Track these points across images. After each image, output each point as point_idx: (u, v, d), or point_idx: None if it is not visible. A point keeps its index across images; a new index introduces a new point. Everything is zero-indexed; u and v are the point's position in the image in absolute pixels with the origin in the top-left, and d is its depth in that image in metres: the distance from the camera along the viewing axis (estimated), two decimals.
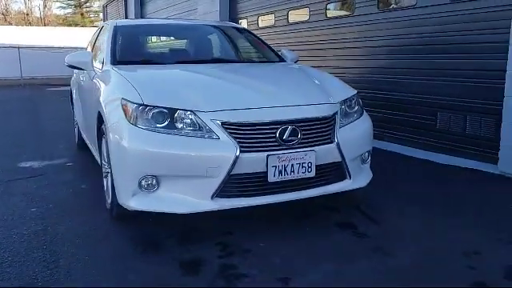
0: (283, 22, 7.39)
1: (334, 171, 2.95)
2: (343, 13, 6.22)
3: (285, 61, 4.24)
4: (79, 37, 23.87)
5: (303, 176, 2.79)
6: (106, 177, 3.37)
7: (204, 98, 2.84)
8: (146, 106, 2.77)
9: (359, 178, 3.11)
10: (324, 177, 2.90)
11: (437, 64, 4.74)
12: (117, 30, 4.07)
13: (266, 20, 8.01)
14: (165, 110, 2.75)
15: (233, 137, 2.66)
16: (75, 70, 5.52)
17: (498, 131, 4.06)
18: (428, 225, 3.05)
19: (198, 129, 2.71)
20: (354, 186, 3.06)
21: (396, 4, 5.40)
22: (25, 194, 3.88)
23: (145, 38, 4.42)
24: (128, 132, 2.76)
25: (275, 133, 2.72)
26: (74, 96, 5.35)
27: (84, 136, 4.78)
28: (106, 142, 3.07)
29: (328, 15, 6.43)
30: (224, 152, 2.63)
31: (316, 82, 3.36)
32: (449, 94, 4.62)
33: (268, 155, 2.68)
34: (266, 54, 4.34)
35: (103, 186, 3.45)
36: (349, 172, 3.00)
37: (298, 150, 2.76)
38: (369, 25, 5.63)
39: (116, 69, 3.47)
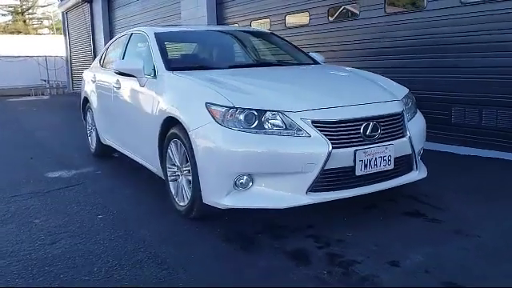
0: (281, 27, 7.60)
1: (406, 163, 3.19)
2: (349, 16, 6.49)
3: (318, 63, 4.47)
4: (28, 44, 23.20)
5: (384, 169, 3.01)
6: (175, 180, 3.45)
7: (290, 98, 3.00)
8: (237, 108, 2.90)
9: (421, 170, 3.36)
10: (399, 169, 3.13)
11: (450, 62, 5.10)
12: (160, 37, 4.13)
13: (261, 25, 8.19)
14: (255, 112, 2.89)
15: (323, 134, 2.83)
16: (88, 79, 5.54)
17: None
18: (490, 208, 3.34)
19: (287, 128, 2.86)
20: (420, 177, 3.31)
21: (404, 7, 5.72)
22: (78, 202, 3.87)
23: (187, 44, 4.49)
24: (222, 134, 2.88)
25: (360, 129, 2.92)
26: (93, 105, 5.31)
27: (115, 144, 4.79)
28: (184, 145, 3.16)
29: (330, 18, 6.70)
30: (318, 149, 2.80)
31: (374, 81, 3.59)
32: (463, 89, 4.97)
33: (355, 150, 2.88)
34: (300, 56, 4.53)
35: (169, 190, 3.53)
36: (416, 164, 3.25)
37: (380, 144, 2.97)
38: (376, 27, 5.94)
39: (181, 74, 3.56)
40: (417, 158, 3.23)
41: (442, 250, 2.71)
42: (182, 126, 3.20)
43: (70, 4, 18.13)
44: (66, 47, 20.10)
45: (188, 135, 3.09)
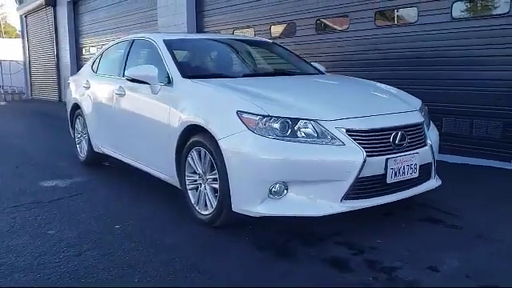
0: (266, 36, 7.67)
1: (426, 171, 3.30)
2: (339, 28, 6.65)
3: (322, 72, 4.57)
4: None
5: (411, 176, 3.11)
6: (196, 188, 3.43)
7: (321, 107, 3.06)
8: (272, 117, 2.92)
9: (437, 178, 3.49)
10: (422, 176, 3.24)
11: (441, 75, 5.33)
12: (169, 45, 4.10)
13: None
14: (289, 121, 2.92)
15: (358, 142, 2.90)
16: (78, 85, 5.41)
17: (508, 132, 4.70)
18: (501, 215, 3.51)
19: (320, 136, 2.91)
20: (437, 185, 3.44)
21: (395, 20, 5.93)
22: (87, 212, 3.76)
23: (196, 51, 4.46)
24: (257, 142, 2.89)
25: (390, 138, 3.01)
26: (86, 112, 5.16)
27: (113, 152, 4.69)
28: (210, 153, 3.14)
29: (318, 30, 6.84)
30: (353, 157, 2.86)
31: (389, 91, 3.71)
32: (453, 101, 5.21)
33: (387, 158, 2.96)
34: (305, 65, 4.62)
35: (188, 199, 3.51)
36: (434, 172, 3.38)
37: (407, 153, 3.07)
38: (365, 40, 6.12)
39: (201, 82, 3.55)
40: (435, 165, 3.35)
41: (471, 254, 2.83)
42: (208, 134, 3.18)
43: (30, 7, 17.54)
44: (25, 52, 19.39)
45: (217, 143, 3.08)
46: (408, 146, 3.10)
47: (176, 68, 3.81)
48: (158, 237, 3.19)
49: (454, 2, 5.18)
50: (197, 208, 3.42)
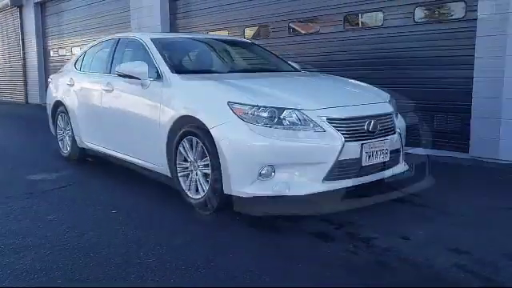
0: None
1: (396, 156, 3.69)
2: (310, 30, 7.03)
3: (298, 70, 4.94)
4: None
5: (382, 160, 3.49)
6: (187, 175, 3.70)
7: (304, 99, 3.39)
8: (260, 106, 3.24)
9: (404, 163, 3.89)
10: (392, 161, 3.62)
11: (404, 74, 5.79)
12: (157, 43, 4.35)
13: None
14: (275, 110, 3.25)
15: (337, 129, 3.25)
16: (61, 83, 5.58)
17: (465, 126, 5.18)
18: (462, 196, 3.93)
19: (303, 124, 3.24)
20: (405, 169, 3.83)
21: (362, 24, 6.36)
22: (81, 200, 3.96)
23: (182, 49, 4.72)
24: (247, 130, 3.20)
25: (364, 125, 3.38)
26: (70, 109, 5.34)
27: (100, 146, 4.89)
28: (202, 141, 3.43)
29: (292, 32, 7.21)
30: (333, 142, 3.21)
31: (362, 85, 4.10)
32: (417, 97, 5.66)
33: (362, 144, 3.32)
34: (282, 63, 4.97)
35: (179, 185, 3.77)
36: (402, 157, 3.78)
37: (379, 139, 3.45)
38: (335, 41, 6.53)
39: (191, 77, 3.83)
40: (403, 151, 3.75)
41: (437, 226, 3.22)
42: (199, 124, 3.46)
43: None
44: None
45: (209, 132, 3.36)
46: (380, 133, 3.47)
47: (165, 64, 4.07)
48: (151, 219, 3.43)
49: (416, 7, 5.64)
50: (188, 193, 3.69)
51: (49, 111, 6.07)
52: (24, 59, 15.72)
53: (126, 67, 4.07)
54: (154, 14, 9.59)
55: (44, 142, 6.94)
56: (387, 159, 3.53)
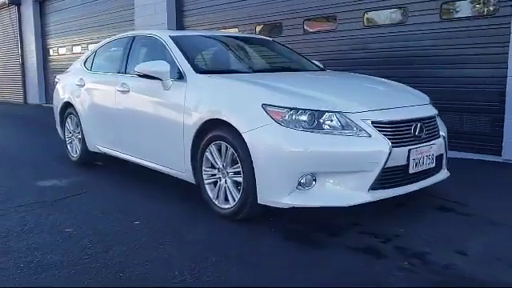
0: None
1: (439, 162, 3.44)
2: (327, 27, 6.77)
3: (323, 69, 4.68)
4: None
5: (428, 167, 3.24)
6: (214, 183, 3.44)
7: (345, 100, 3.13)
8: (299, 109, 2.98)
9: (446, 170, 3.64)
10: (436, 167, 3.37)
11: (428, 73, 5.54)
12: (177, 41, 4.09)
13: None
14: (315, 113, 2.98)
15: (383, 134, 2.99)
16: (70, 83, 5.30)
17: (497, 127, 4.94)
18: (504, 203, 3.68)
19: (346, 128, 2.98)
20: (446, 176, 3.58)
21: (383, 21, 6.10)
22: (98, 210, 3.69)
23: (202, 48, 4.45)
24: (285, 135, 2.93)
25: (411, 129, 3.12)
26: (80, 111, 5.05)
27: (114, 150, 4.62)
28: (233, 147, 3.16)
29: (307, 29, 6.95)
30: (379, 148, 2.95)
31: (399, 86, 3.84)
32: (444, 97, 5.42)
33: (410, 149, 3.07)
34: (307, 62, 4.70)
35: (205, 193, 3.51)
36: (445, 163, 3.52)
37: (426, 144, 3.19)
38: (352, 39, 6.28)
39: (218, 77, 3.57)
40: (446, 157, 3.50)
41: (492, 239, 2.96)
42: (230, 128, 3.20)
43: None
44: None
45: (241, 137, 3.10)
46: (426, 138, 3.22)
47: (188, 63, 3.80)
48: (181, 231, 3.17)
49: (443, 3, 5.39)
50: (216, 202, 3.42)
51: (56, 113, 5.78)
52: (22, 58, 15.39)
53: (146, 67, 3.80)
54: (159, 12, 9.31)
55: (48, 145, 6.69)
56: (433, 165, 3.27)
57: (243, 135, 3.09)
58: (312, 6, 6.79)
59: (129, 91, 4.28)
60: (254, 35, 5.72)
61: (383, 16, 6.07)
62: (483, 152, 5.17)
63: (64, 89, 5.55)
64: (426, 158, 3.18)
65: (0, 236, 3.12)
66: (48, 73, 14.48)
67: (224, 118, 3.25)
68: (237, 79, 3.52)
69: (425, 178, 3.28)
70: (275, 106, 3.02)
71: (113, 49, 5.00)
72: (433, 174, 3.37)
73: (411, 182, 3.17)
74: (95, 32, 11.78)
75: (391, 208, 3.53)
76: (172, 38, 4.13)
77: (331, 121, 3.00)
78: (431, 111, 3.41)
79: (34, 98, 14.90)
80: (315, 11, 6.78)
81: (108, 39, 5.24)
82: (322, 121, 2.99)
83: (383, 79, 4.13)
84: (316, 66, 4.70)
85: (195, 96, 3.57)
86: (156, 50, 4.26)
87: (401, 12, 5.83)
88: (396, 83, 3.98)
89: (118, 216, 3.52)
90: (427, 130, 3.24)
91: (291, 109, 2.98)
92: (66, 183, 4.55)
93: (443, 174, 3.51)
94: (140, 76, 3.88)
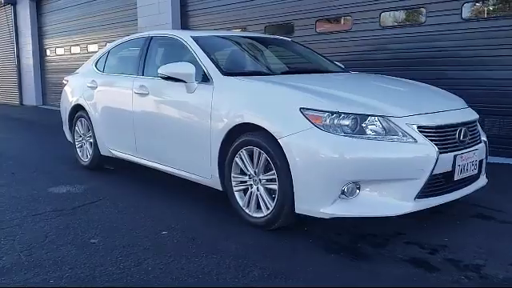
0: None
1: (480, 168, 3.30)
2: (340, 28, 6.63)
3: (347, 70, 4.53)
4: None
5: (472, 173, 3.10)
6: (245, 190, 3.28)
7: (389, 104, 2.98)
8: (341, 113, 2.82)
9: (485, 176, 3.50)
10: (477, 173, 3.23)
11: (448, 74, 5.41)
12: (199, 41, 3.92)
13: None
14: (357, 117, 2.83)
15: (429, 139, 2.84)
16: (80, 85, 5.11)
17: None
18: None
19: (389, 133, 2.83)
20: (485, 182, 3.44)
21: (402, 21, 5.97)
22: (121, 219, 3.51)
23: (225, 48, 4.28)
24: (327, 140, 2.78)
25: (455, 134, 2.98)
26: (93, 114, 4.86)
27: (130, 155, 4.44)
28: (268, 152, 3.00)
29: (320, 30, 6.81)
30: (426, 154, 2.80)
31: (433, 89, 3.70)
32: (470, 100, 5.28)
33: (455, 155, 2.92)
34: (330, 63, 4.55)
35: (235, 201, 3.35)
36: (485, 169, 3.39)
37: (470, 149, 3.05)
38: (368, 40, 6.15)
39: (248, 80, 3.42)
40: (486, 163, 3.36)
41: None
42: (263, 133, 3.04)
43: None
44: None
45: (277, 142, 2.94)
46: (469, 143, 3.08)
47: (213, 65, 3.64)
48: (214, 241, 3.00)
49: (464, 3, 5.26)
50: (247, 211, 3.26)
51: (65, 116, 5.58)
52: (18, 59, 15.10)
53: (172, 68, 3.62)
54: (164, 12, 9.12)
55: (52, 148, 6.53)
56: (476, 171, 3.13)
57: (279, 141, 2.93)
58: (325, 6, 6.65)
59: (148, 94, 4.11)
60: (272, 35, 5.54)
61: (400, 16, 5.94)
62: (509, 156, 5.05)
63: (74, 91, 5.36)
64: (469, 164, 3.04)
65: (22, 248, 2.93)
66: (45, 73, 14.23)
67: (257, 123, 3.09)
68: (269, 81, 3.36)
69: (467, 185, 3.14)
70: (315, 110, 2.86)
71: (128, 49, 4.82)
72: (474, 181, 3.22)
73: (455, 190, 3.03)
74: (95, 32, 11.56)
75: (429, 216, 3.38)
76: (194, 38, 3.97)
77: (373, 125, 2.84)
78: (473, 115, 3.27)
79: (31, 99, 14.62)
80: (328, 11, 6.64)
81: (121, 39, 5.05)
82: (364, 125, 2.83)
83: (416, 81, 3.99)
84: (339, 67, 4.55)
85: (223, 99, 3.40)
86: (176, 51, 4.10)
87: (419, 12, 5.70)
88: (430, 86, 3.84)
89: (144, 226, 3.34)
90: (470, 135, 3.10)
91: (332, 113, 2.83)
92: (81, 189, 4.36)
93: (483, 180, 3.37)
94: (163, 78, 3.70)
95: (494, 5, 5.14)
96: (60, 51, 13.42)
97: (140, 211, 3.66)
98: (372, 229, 3.13)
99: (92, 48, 11.77)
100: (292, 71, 4.06)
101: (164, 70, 3.64)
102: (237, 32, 6.33)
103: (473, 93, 5.23)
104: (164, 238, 3.09)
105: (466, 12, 5.30)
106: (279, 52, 4.63)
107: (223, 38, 4.41)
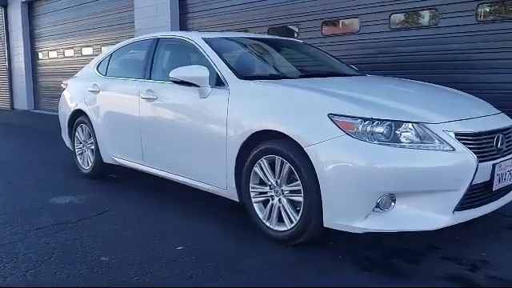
0: None
1: None
2: (348, 30, 6.45)
3: (364, 74, 4.35)
4: None
5: (510, 182, 2.91)
6: (264, 201, 3.07)
7: (424, 110, 2.79)
8: (374, 120, 2.63)
9: None
10: None
11: (462, 78, 5.24)
12: (212, 44, 3.71)
13: None
14: (392, 124, 2.64)
15: (467, 147, 2.65)
16: (81, 89, 4.89)
17: None
18: None
19: (425, 141, 2.63)
20: None
21: (413, 24, 5.81)
22: (130, 232, 3.28)
23: (238, 51, 4.06)
24: (361, 149, 2.58)
25: (493, 141, 2.79)
26: (95, 119, 4.62)
27: (135, 162, 4.22)
28: (292, 162, 2.80)
29: (326, 32, 6.63)
30: (466, 163, 2.61)
31: (461, 93, 3.53)
32: None
33: (494, 164, 2.74)
34: (345, 66, 4.36)
35: (254, 213, 3.15)
36: None
37: (507, 157, 2.87)
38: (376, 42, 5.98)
39: (268, 83, 3.22)
40: None
41: None
42: (287, 141, 2.85)
43: None
44: None
45: (303, 151, 2.74)
46: (506, 150, 2.89)
47: (228, 68, 3.43)
48: (234, 258, 2.78)
49: (479, 4, 5.11)
50: (267, 224, 3.05)
51: (64, 121, 5.33)
52: (9, 62, 14.74)
53: (184, 72, 3.41)
54: (162, 14, 8.89)
55: (47, 154, 6.31)
56: None
57: (306, 149, 2.72)
58: (331, 8, 6.46)
59: (156, 99, 3.88)
60: (283, 37, 5.34)
61: (411, 18, 5.77)
62: None
63: (74, 95, 5.12)
64: (507, 173, 2.86)
65: (27, 267, 2.69)
66: (37, 77, 13.90)
67: (280, 130, 2.88)
68: (291, 86, 3.15)
69: (503, 195, 2.96)
70: (346, 116, 2.66)
71: (132, 52, 4.60)
72: (510, 191, 3.04)
73: (493, 200, 2.85)
74: (90, 35, 11.29)
75: (460, 228, 3.18)
76: (205, 40, 3.76)
77: (408, 133, 2.65)
78: (509, 121, 3.09)
79: (22, 103, 14.27)
80: (335, 13, 6.45)
81: (125, 41, 4.82)
82: (398, 133, 2.64)
83: (440, 85, 3.81)
84: (353, 69, 4.36)
85: (240, 104, 3.20)
86: (186, 54, 3.89)
87: (431, 14, 5.54)
88: (456, 90, 3.66)
89: (156, 240, 3.11)
90: (507, 142, 2.92)
91: (365, 119, 2.63)
92: (84, 200, 4.12)
93: None
94: (175, 82, 3.48)
95: (510, 5, 4.97)
96: (53, 54, 13.10)
97: (149, 224, 3.43)
98: (403, 243, 2.93)
99: (86, 51, 11.50)
100: (310, 74, 3.85)
101: (176, 73, 3.42)
102: (246, 34, 6.10)
103: (488, 97, 5.07)
104: (181, 254, 2.86)
105: (481, 13, 5.13)
106: (292, 54, 4.42)
107: (234, 39, 4.20)
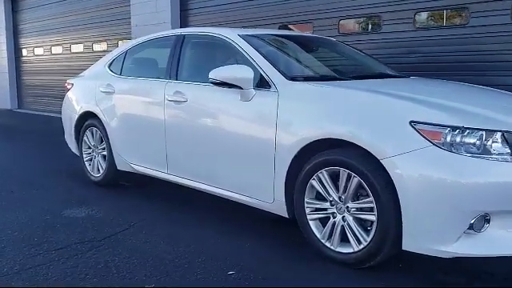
0: None
1: None
2: (368, 29, 6.16)
3: (403, 75, 4.05)
4: None
5: None
6: (323, 219, 2.75)
7: (507, 115, 2.49)
8: (466, 129, 2.31)
9: None
10: None
11: (492, 80, 5.00)
12: (250, 41, 3.36)
13: None
14: (483, 133, 2.33)
15: None
16: (92, 90, 4.47)
17: None
18: None
19: None
20: None
21: (440, 22, 5.55)
22: (167, 252, 2.90)
23: (279, 49, 3.70)
24: (452, 162, 2.27)
25: None
26: (110, 123, 4.21)
27: (157, 170, 3.84)
28: (362, 175, 2.48)
29: (344, 31, 6.32)
30: None
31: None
32: None
33: None
34: (386, 67, 4.05)
35: (309, 231, 2.81)
36: None
37: None
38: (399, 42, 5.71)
39: (327, 86, 2.88)
40: None
41: None
42: (356, 151, 2.51)
43: None
44: None
45: (377, 163, 2.41)
46: None
47: (275, 69, 3.08)
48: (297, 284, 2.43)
49: None
50: (327, 244, 2.71)
51: (69, 124, 4.89)
52: None
53: (226, 72, 3.04)
54: (162, 10, 8.46)
55: (45, 158, 5.89)
56: None
57: (383, 162, 2.40)
58: (350, 5, 6.15)
59: (186, 101, 3.50)
60: (317, 35, 5.00)
61: (438, 17, 5.51)
62: None
63: (82, 96, 4.70)
64: None
65: None
66: (21, 75, 13.26)
67: (347, 139, 2.55)
68: (357, 89, 2.82)
69: None
70: (432, 125, 2.34)
71: (151, 50, 4.19)
72: None
73: None
74: (80, 31, 10.76)
75: None
76: (243, 37, 3.40)
77: (498, 143, 2.34)
78: None
79: (5, 102, 13.58)
80: (354, 10, 6.14)
81: (141, 38, 4.41)
82: (488, 143, 2.32)
83: (494, 88, 3.53)
84: (391, 70, 4.05)
85: (293, 109, 2.86)
86: (221, 53, 3.55)
87: (460, 13, 5.28)
88: (504, 91, 3.40)
89: (200, 262, 2.74)
90: None
91: (455, 128, 2.31)
92: (102, 213, 3.71)
93: None
94: (215, 84, 3.11)
95: None
96: (39, 51, 12.50)
97: (186, 242, 3.06)
98: (486, 266, 2.62)
99: (76, 48, 10.97)
100: (361, 76, 3.49)
101: (216, 74, 3.05)
102: (275, 30, 5.72)
103: None
104: (236, 281, 2.49)
105: None
106: (331, 53, 4.07)
107: (268, 37, 3.82)
